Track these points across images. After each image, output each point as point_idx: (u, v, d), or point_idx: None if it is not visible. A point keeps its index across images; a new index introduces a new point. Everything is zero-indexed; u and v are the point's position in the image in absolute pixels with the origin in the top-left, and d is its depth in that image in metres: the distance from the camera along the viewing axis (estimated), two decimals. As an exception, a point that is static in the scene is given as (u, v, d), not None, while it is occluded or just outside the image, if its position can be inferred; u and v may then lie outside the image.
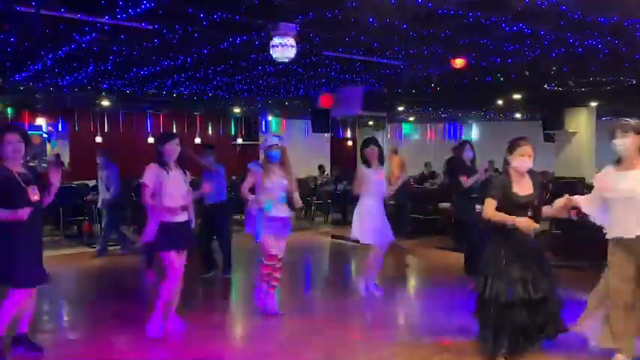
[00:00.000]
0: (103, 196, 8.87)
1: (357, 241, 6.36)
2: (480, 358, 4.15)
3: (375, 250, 6.21)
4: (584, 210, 4.19)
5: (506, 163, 4.18)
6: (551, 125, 13.90)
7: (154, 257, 6.87)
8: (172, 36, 6.56)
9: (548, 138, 14.24)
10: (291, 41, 5.91)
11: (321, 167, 15.80)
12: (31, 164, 8.32)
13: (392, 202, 10.84)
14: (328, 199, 13.55)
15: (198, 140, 16.40)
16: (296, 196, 5.59)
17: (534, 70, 9.04)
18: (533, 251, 4.13)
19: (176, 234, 4.83)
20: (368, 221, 6.10)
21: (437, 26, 6.23)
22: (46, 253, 8.53)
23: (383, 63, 8.37)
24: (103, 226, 9.03)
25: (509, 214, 4.01)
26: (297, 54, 6.16)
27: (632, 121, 3.95)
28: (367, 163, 6.22)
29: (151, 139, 15.05)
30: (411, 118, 20.01)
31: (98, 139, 15.46)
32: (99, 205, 9.12)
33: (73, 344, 4.84)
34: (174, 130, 16.39)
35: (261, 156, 5.59)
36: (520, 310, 4.00)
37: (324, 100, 11.29)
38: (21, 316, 4.46)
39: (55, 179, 4.45)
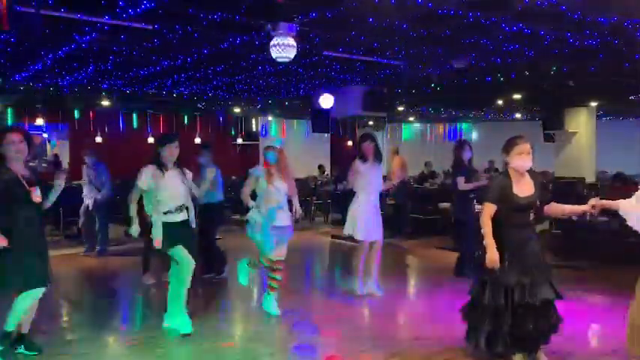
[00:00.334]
0: (95, 196, 8.75)
1: (353, 239, 6.32)
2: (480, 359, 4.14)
3: (365, 248, 6.19)
4: (626, 216, 3.70)
5: (505, 164, 4.01)
6: (551, 125, 13.89)
7: (151, 260, 6.89)
8: (172, 36, 6.56)
9: (548, 138, 14.23)
10: (291, 41, 5.91)
11: (321, 167, 15.81)
12: (31, 164, 8.31)
13: (392, 202, 10.86)
14: (328, 199, 13.55)
15: (198, 140, 16.40)
16: (296, 204, 5.57)
17: (534, 70, 9.04)
18: (533, 255, 3.95)
19: (176, 233, 4.84)
20: (360, 218, 6.08)
21: (437, 26, 6.24)
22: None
23: (383, 63, 8.37)
24: (97, 227, 8.94)
25: (509, 217, 3.90)
26: (297, 54, 6.16)
27: None
28: (363, 158, 6.17)
29: (151, 139, 15.05)
30: (411, 118, 20.01)
31: (98, 139, 15.46)
32: (90, 207, 8.81)
33: (72, 344, 4.84)
34: (174, 130, 16.41)
35: (261, 159, 5.59)
36: (518, 315, 3.85)
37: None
38: (26, 316, 4.45)
39: (60, 181, 4.46)
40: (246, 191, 5.44)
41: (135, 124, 16.20)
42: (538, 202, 4.02)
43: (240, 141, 18.12)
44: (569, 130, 13.90)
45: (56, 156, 15.04)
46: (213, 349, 4.68)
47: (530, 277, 3.85)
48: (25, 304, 4.26)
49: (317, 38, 6.77)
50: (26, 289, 4.23)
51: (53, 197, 4.48)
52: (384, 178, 11.21)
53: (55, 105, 14.27)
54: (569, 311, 4.39)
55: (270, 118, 18.77)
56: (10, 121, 14.06)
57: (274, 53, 6.01)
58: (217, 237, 10.18)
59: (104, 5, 5.37)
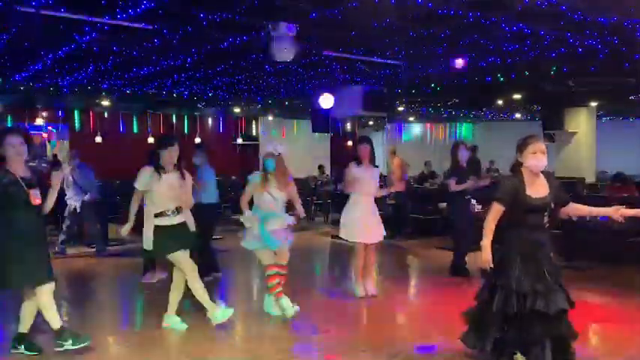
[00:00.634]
0: (81, 198, 8.69)
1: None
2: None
3: (360, 250, 6.20)
4: None
5: (518, 164, 3.80)
6: (551, 125, 13.90)
7: (152, 260, 6.88)
8: (172, 36, 6.57)
9: (548, 138, 14.25)
10: (291, 41, 5.91)
11: (321, 167, 15.81)
12: (31, 164, 8.31)
13: (392, 202, 10.86)
14: (328, 199, 13.55)
15: (198, 140, 16.41)
16: (298, 206, 5.54)
17: (534, 70, 9.05)
18: (546, 259, 3.76)
19: (173, 235, 4.83)
20: (353, 220, 6.09)
21: (437, 26, 6.24)
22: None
23: (383, 63, 8.38)
24: (89, 228, 8.87)
25: (521, 219, 3.72)
26: (297, 54, 6.16)
27: None
28: (358, 160, 6.18)
29: (151, 140, 15.05)
30: (411, 118, 20.02)
31: (98, 139, 15.47)
32: (78, 209, 8.75)
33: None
34: (174, 130, 16.42)
35: (261, 165, 5.52)
36: (527, 321, 3.68)
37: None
38: (23, 316, 4.47)
39: (55, 183, 4.41)
40: (244, 199, 5.43)
41: (135, 124, 16.20)
42: (553, 204, 3.81)
43: (240, 141, 18.13)
44: (569, 130, 13.91)
45: (55, 156, 15.01)
46: (213, 349, 4.68)
47: (544, 283, 3.65)
48: (43, 300, 4.31)
49: (317, 38, 6.77)
50: (26, 287, 4.23)
51: (50, 200, 4.44)
52: (384, 178, 11.28)
53: (55, 105, 14.27)
54: (569, 311, 4.37)
55: (270, 118, 18.78)
56: (10, 122, 14.06)
57: (274, 53, 6.01)
58: (218, 237, 10.25)
59: (104, 5, 5.38)
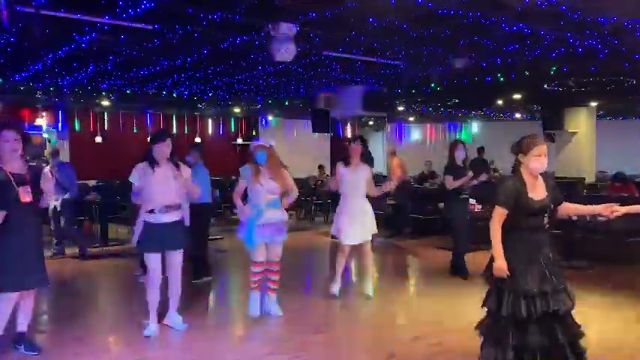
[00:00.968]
0: (61, 197, 8.53)
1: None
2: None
3: (345, 251, 6.19)
4: None
5: (519, 164, 3.69)
6: (551, 125, 13.91)
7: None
8: (172, 36, 6.56)
9: (548, 138, 14.25)
10: (291, 41, 5.91)
11: (321, 167, 15.80)
12: (31, 164, 8.29)
13: (392, 202, 10.87)
14: (328, 199, 13.54)
15: (198, 140, 16.40)
16: (289, 199, 5.40)
17: (534, 70, 9.04)
18: (548, 260, 3.69)
19: (160, 235, 4.78)
20: (342, 221, 6.10)
21: (437, 26, 6.24)
22: (46, 253, 8.62)
23: (383, 63, 8.38)
24: (62, 226, 8.70)
25: (522, 221, 3.63)
26: (297, 54, 6.16)
27: None
28: (346, 160, 6.17)
29: (150, 139, 15.02)
30: (411, 118, 20.02)
31: (98, 139, 15.46)
32: (59, 207, 8.62)
33: (72, 344, 4.83)
34: (175, 130, 16.41)
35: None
36: (545, 325, 3.58)
37: None
38: (19, 316, 4.45)
39: (48, 187, 4.36)
40: (237, 191, 5.38)
41: (135, 124, 16.19)
42: (552, 206, 3.74)
43: (240, 141, 18.13)
44: (569, 130, 13.91)
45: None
46: (213, 349, 4.68)
47: (551, 283, 3.58)
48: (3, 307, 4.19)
49: (317, 38, 6.77)
50: (11, 290, 4.16)
51: (43, 202, 4.39)
52: (384, 178, 11.28)
53: (55, 105, 14.27)
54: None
55: (270, 118, 18.77)
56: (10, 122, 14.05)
57: (274, 53, 6.01)
58: (218, 237, 10.26)
59: (104, 5, 5.37)
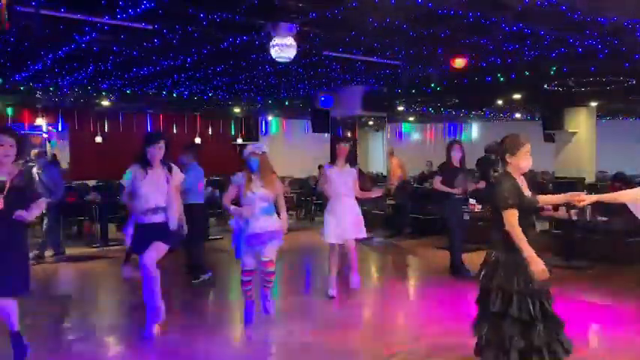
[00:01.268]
0: (47, 198, 8.51)
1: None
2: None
3: (333, 250, 6.18)
4: (631, 205, 3.57)
5: (506, 165, 3.67)
6: (551, 125, 13.90)
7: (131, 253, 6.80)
8: (172, 36, 6.57)
9: (548, 138, 14.25)
10: (291, 41, 5.91)
11: (321, 167, 15.80)
12: (31, 164, 8.29)
13: (392, 202, 10.87)
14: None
15: (198, 140, 16.41)
16: (283, 213, 5.32)
17: (534, 70, 9.05)
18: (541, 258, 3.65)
19: (145, 235, 4.75)
20: (329, 221, 6.08)
21: (437, 26, 6.24)
22: (46, 253, 8.65)
23: (383, 63, 8.38)
24: (45, 229, 8.57)
25: (520, 221, 3.56)
26: (297, 54, 6.16)
27: None
28: (332, 161, 6.17)
29: (150, 140, 15.02)
30: (411, 118, 20.02)
31: (98, 139, 15.47)
32: (44, 210, 8.58)
33: (71, 344, 4.83)
34: (175, 130, 16.42)
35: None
36: (553, 323, 3.54)
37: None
38: (2, 318, 4.31)
39: (34, 213, 4.11)
40: (226, 198, 5.34)
41: (135, 124, 16.20)
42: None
43: (240, 141, 18.14)
44: (569, 130, 13.91)
45: (54, 156, 14.98)
46: (213, 349, 4.68)
47: (545, 282, 3.52)
48: None
49: (317, 38, 6.77)
50: None
51: (31, 215, 4.10)
52: (384, 178, 11.28)
53: (55, 105, 14.27)
54: (569, 311, 4.38)
55: (270, 118, 18.78)
56: (10, 122, 14.05)
57: (274, 53, 6.01)
58: (218, 237, 10.26)
59: (104, 5, 5.38)
